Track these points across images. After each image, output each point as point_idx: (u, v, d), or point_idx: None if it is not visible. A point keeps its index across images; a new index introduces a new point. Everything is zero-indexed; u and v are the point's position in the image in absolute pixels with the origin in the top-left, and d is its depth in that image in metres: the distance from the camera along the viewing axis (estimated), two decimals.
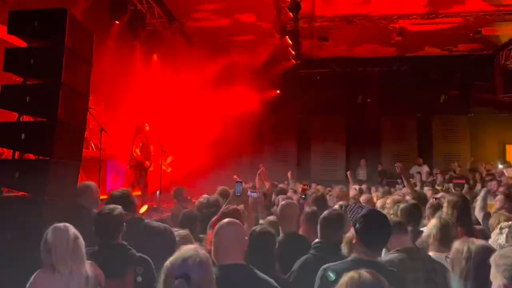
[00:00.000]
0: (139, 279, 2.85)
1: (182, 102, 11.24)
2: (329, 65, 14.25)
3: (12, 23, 3.77)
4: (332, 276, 2.33)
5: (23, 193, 3.69)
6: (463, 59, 13.37)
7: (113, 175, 9.14)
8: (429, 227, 3.15)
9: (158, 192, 8.20)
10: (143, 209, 7.36)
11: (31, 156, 3.91)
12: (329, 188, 8.00)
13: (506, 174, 8.94)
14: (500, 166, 11.15)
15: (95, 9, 7.76)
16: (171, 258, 1.83)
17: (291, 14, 9.43)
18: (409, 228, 3.25)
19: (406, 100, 13.78)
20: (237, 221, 2.60)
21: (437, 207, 4.08)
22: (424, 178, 11.32)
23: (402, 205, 3.81)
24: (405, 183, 6.15)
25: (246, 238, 2.63)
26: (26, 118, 3.95)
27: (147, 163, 8.18)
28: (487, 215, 4.23)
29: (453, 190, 7.35)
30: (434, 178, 11.08)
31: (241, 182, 3.82)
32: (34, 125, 3.88)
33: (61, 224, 2.59)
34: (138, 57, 10.24)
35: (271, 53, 12.10)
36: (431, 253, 2.98)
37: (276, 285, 2.45)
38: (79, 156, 4.11)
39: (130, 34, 9.27)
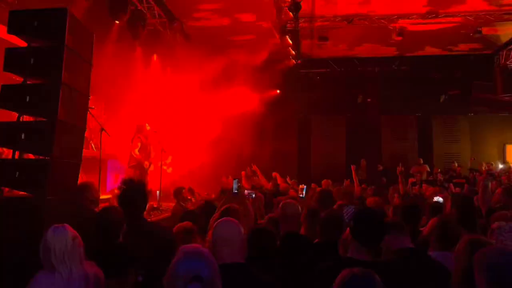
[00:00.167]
0: (140, 279, 2.85)
1: (182, 101, 11.23)
2: (329, 65, 14.24)
3: (12, 23, 3.77)
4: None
5: (23, 193, 3.69)
6: (463, 59, 13.37)
7: (113, 175, 9.14)
8: (429, 227, 3.15)
9: (158, 192, 8.21)
10: None
11: (31, 156, 3.91)
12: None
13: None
14: (500, 166, 11.15)
15: (95, 9, 7.75)
16: (177, 259, 1.76)
17: (291, 14, 9.41)
18: (409, 228, 3.25)
19: (406, 100, 13.77)
20: (234, 219, 2.57)
21: (437, 207, 4.08)
22: (424, 178, 11.31)
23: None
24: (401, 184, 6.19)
25: (245, 237, 2.61)
26: (26, 118, 3.94)
27: (146, 163, 8.17)
28: (490, 210, 4.21)
29: (453, 190, 7.38)
30: (434, 178, 11.08)
31: (238, 179, 3.84)
32: (34, 125, 3.87)
33: (60, 225, 2.59)
34: (138, 57, 10.24)
35: (271, 52, 12.09)
36: (431, 253, 2.98)
37: (275, 285, 2.43)
38: (79, 156, 4.10)
39: (130, 34, 9.27)
